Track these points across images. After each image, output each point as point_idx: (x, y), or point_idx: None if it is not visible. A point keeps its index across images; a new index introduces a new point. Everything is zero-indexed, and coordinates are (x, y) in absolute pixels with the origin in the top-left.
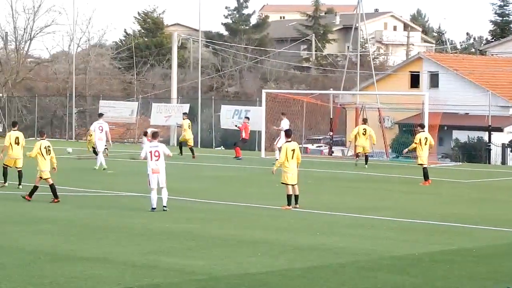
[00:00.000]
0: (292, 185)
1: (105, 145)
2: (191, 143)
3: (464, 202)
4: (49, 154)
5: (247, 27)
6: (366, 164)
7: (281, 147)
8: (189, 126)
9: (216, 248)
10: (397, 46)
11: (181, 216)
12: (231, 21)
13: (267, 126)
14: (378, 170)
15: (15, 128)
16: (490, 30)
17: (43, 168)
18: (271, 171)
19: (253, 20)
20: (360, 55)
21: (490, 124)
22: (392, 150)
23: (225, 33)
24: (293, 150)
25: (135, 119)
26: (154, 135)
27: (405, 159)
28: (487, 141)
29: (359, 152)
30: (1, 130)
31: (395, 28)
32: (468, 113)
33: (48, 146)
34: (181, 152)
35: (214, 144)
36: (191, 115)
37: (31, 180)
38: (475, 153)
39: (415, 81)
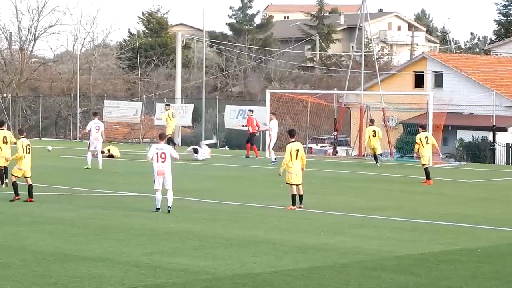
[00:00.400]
0: (297, 185)
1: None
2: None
3: (468, 202)
4: (29, 153)
5: (251, 27)
6: (377, 163)
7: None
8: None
9: (220, 248)
10: (401, 46)
11: (185, 216)
12: (235, 21)
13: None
14: (383, 170)
15: (3, 128)
16: (494, 30)
17: (24, 167)
18: (277, 172)
19: (257, 20)
20: (364, 55)
21: (494, 124)
22: (397, 150)
23: (229, 33)
24: (297, 150)
25: (140, 119)
26: (161, 136)
27: (409, 159)
28: (492, 141)
29: (371, 154)
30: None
31: (399, 28)
32: (472, 113)
33: (28, 145)
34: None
35: (218, 144)
36: (195, 114)
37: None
38: (480, 153)
39: (419, 81)
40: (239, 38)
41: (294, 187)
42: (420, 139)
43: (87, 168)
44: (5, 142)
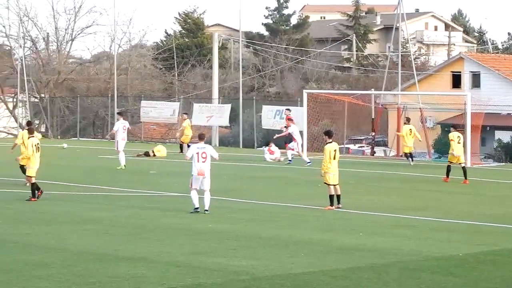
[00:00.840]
0: (334, 185)
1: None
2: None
3: (507, 202)
4: (38, 152)
5: (288, 27)
6: (411, 162)
7: (293, 149)
8: (189, 125)
9: (258, 248)
10: (438, 46)
11: (223, 216)
12: (271, 21)
13: (308, 126)
14: (421, 170)
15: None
16: None
17: (32, 166)
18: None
19: (294, 20)
20: (401, 55)
21: None
22: (435, 151)
23: (266, 33)
24: (335, 151)
25: (177, 119)
26: (201, 137)
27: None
28: None
29: (407, 153)
30: (44, 131)
31: (436, 28)
32: (510, 113)
33: (38, 144)
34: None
35: (255, 144)
36: (232, 115)
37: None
38: None
39: (456, 81)
40: (275, 39)
41: (332, 187)
42: (453, 137)
43: (121, 168)
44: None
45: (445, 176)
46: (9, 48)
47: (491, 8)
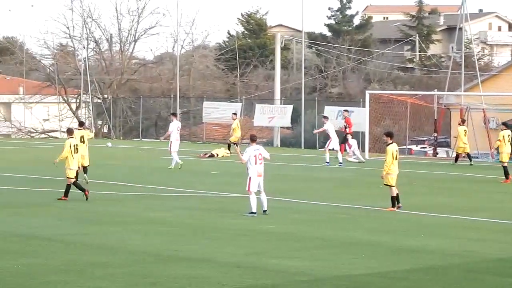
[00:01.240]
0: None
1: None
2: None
3: None
4: (77, 153)
5: (350, 28)
6: (471, 162)
7: (332, 149)
8: (238, 125)
9: (319, 250)
10: (502, 47)
11: (284, 217)
12: (334, 22)
13: (370, 127)
14: (483, 171)
15: (81, 128)
16: None
17: (71, 166)
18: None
19: (356, 21)
20: (465, 55)
21: None
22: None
23: (328, 34)
24: (396, 151)
25: (239, 120)
26: (253, 138)
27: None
28: None
29: (460, 153)
30: (106, 131)
31: (499, 29)
32: None
33: (76, 145)
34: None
35: (317, 145)
36: (294, 115)
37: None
38: None
39: None
40: (338, 39)
41: (394, 188)
42: (503, 136)
43: (179, 166)
44: (82, 141)
45: (505, 178)
46: (73, 49)
47: None
